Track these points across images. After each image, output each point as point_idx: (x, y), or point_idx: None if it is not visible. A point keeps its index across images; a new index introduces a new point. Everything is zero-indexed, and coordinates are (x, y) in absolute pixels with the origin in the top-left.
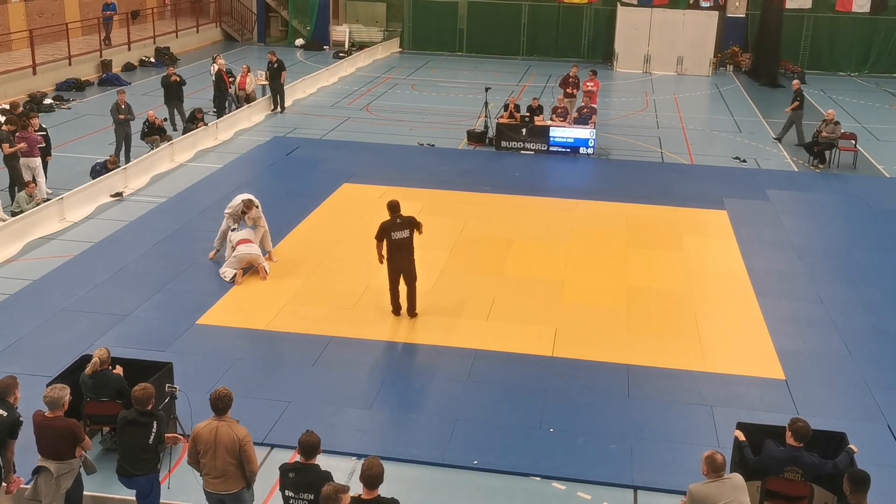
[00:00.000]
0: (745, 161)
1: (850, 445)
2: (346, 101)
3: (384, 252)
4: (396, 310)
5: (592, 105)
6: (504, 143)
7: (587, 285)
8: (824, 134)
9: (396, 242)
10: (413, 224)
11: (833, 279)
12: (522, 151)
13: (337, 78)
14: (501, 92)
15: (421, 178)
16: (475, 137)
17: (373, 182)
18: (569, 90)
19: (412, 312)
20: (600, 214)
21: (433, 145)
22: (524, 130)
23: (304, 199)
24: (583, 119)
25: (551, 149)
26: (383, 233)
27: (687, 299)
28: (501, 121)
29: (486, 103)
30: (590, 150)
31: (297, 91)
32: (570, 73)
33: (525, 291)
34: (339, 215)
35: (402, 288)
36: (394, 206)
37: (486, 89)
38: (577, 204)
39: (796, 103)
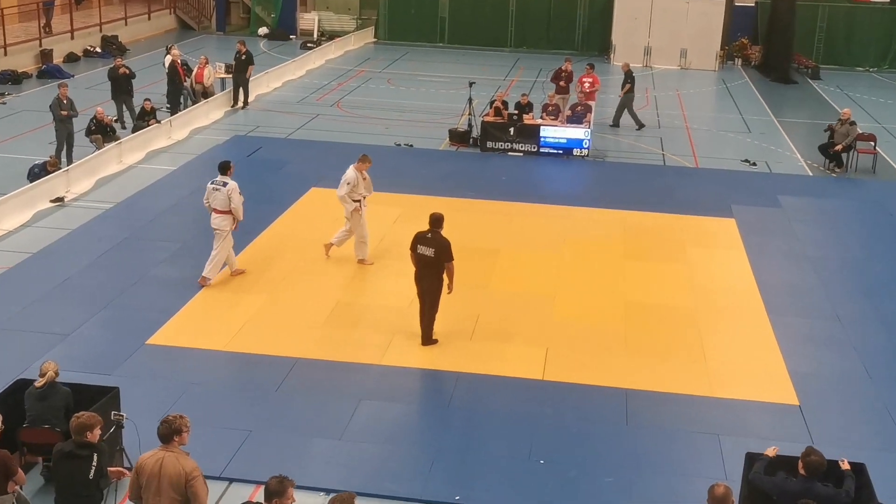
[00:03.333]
0: (754, 164)
1: (844, 464)
2: (315, 97)
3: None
4: (425, 340)
5: (588, 102)
6: (490, 144)
7: (581, 301)
8: (838, 129)
9: (419, 258)
10: (441, 247)
11: (851, 294)
12: (510, 153)
13: (304, 71)
14: (487, 87)
15: (398, 182)
16: (458, 137)
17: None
18: (561, 84)
19: (424, 340)
20: (596, 222)
21: (411, 146)
22: (512, 130)
23: (267, 206)
24: (577, 117)
25: (542, 150)
26: (412, 244)
27: (691, 316)
28: (487, 119)
29: (470, 100)
30: (584, 152)
31: (261, 85)
32: (563, 67)
33: (513, 308)
34: (306, 223)
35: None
36: (434, 220)
37: (470, 84)
38: (570, 211)
39: (628, 86)
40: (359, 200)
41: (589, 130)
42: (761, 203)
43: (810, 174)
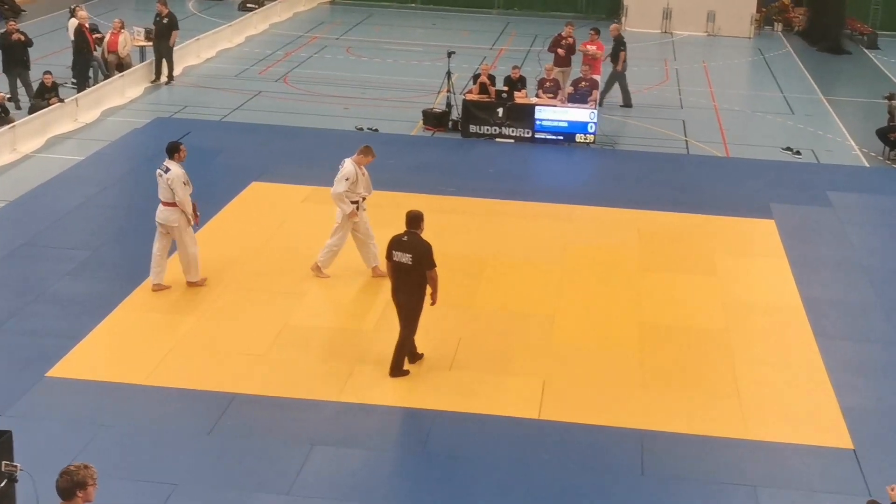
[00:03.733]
0: (798, 153)
1: None
2: (257, 70)
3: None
4: (410, 356)
5: (594, 76)
6: (473, 128)
7: (586, 322)
8: None
9: (395, 266)
10: (420, 251)
11: None
12: (499, 139)
13: (244, 38)
14: (470, 58)
15: None
16: (434, 120)
17: (293, 180)
18: (561, 54)
19: (392, 369)
20: (604, 225)
21: (376, 130)
22: (500, 111)
23: (201, 201)
24: (580, 96)
25: (538, 136)
26: (388, 249)
27: (722, 341)
28: (470, 97)
29: (449, 73)
30: (590, 138)
31: (189, 55)
32: (563, 33)
33: (503, 330)
34: (246, 226)
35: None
36: (410, 219)
37: (449, 54)
38: (572, 211)
39: (623, 54)
40: (357, 202)
41: (595, 111)
42: (807, 201)
43: (867, 165)
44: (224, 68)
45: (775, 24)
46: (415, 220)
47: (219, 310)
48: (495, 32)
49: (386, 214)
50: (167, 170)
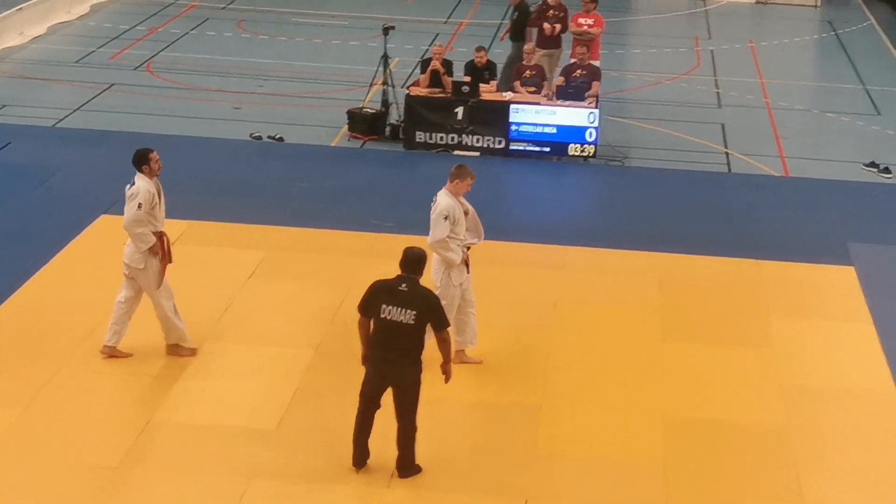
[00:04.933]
0: (888, 171)
1: None
2: (107, 53)
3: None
4: (358, 458)
5: (592, 62)
6: (421, 137)
7: (586, 415)
8: None
9: (385, 325)
10: (427, 305)
11: None
12: (458, 152)
13: (88, 7)
14: (416, 36)
15: (255, 203)
16: (364, 125)
17: None
18: (547, 30)
19: (401, 469)
20: (611, 275)
21: (280, 139)
22: (460, 111)
23: (23, 246)
24: (575, 90)
25: (514, 147)
26: (369, 301)
27: (780, 444)
28: (416, 92)
29: (386, 58)
30: (589, 150)
31: (8, 32)
32: (551, 1)
33: (469, 428)
34: (92, 278)
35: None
36: (409, 260)
37: (386, 31)
38: (565, 255)
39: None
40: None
41: (596, 112)
42: None
43: None
44: (59, 51)
45: None
46: (417, 261)
47: (53, 399)
48: (450, 1)
49: (293, 261)
50: (133, 184)
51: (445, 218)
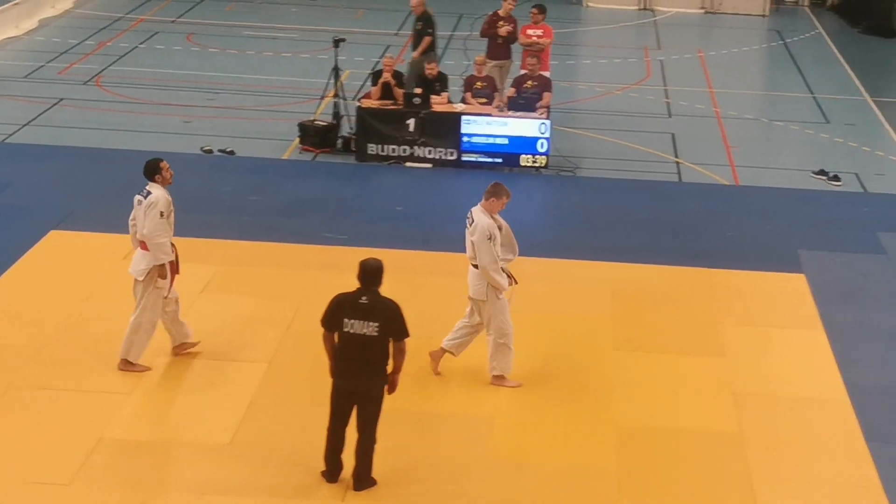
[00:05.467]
0: (837, 179)
1: None
2: (56, 68)
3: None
4: (331, 471)
5: (543, 73)
6: (373, 149)
7: (541, 425)
8: None
9: (349, 338)
10: (388, 316)
11: None
12: (410, 164)
13: (36, 21)
14: (366, 48)
15: (206, 217)
16: (316, 137)
17: (110, 227)
18: (498, 42)
19: (357, 481)
20: (564, 285)
21: (232, 153)
22: (412, 123)
23: None
24: (526, 101)
25: (466, 158)
26: (331, 316)
27: (735, 449)
28: (367, 104)
29: (337, 70)
30: (541, 161)
31: None
32: (500, 11)
33: (420, 439)
34: (41, 295)
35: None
36: (367, 272)
37: (337, 43)
38: (518, 265)
39: (428, 39)
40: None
41: (547, 123)
42: (851, 247)
43: None
44: (8, 66)
45: None
46: (374, 273)
47: (2, 417)
48: (402, 11)
49: (246, 275)
50: (148, 194)
51: (489, 238)
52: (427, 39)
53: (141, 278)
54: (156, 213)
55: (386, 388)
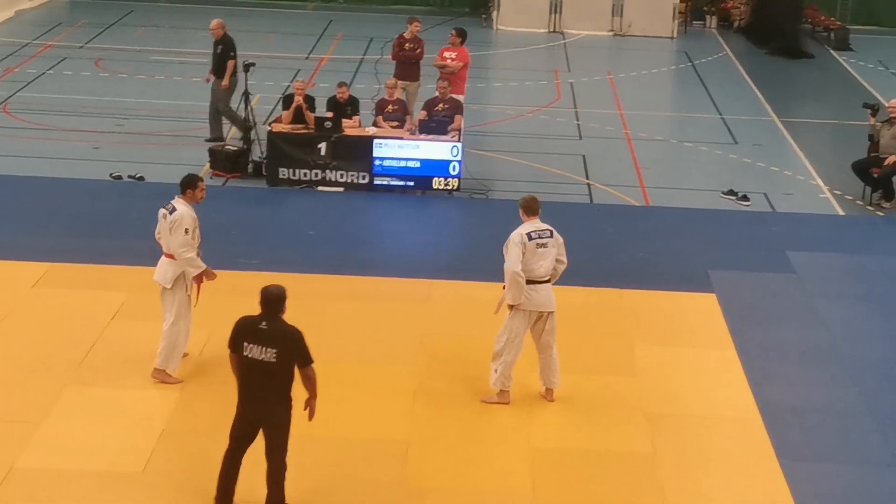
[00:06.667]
0: (746, 199)
1: None
2: None
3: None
4: (221, 497)
5: (455, 96)
6: (284, 173)
7: (456, 448)
8: (882, 132)
9: (249, 363)
10: (289, 343)
11: None
12: (322, 187)
13: None
14: (277, 72)
15: (116, 244)
16: (226, 162)
17: (18, 254)
18: (406, 62)
19: None
20: (477, 307)
21: (142, 178)
22: (323, 147)
23: None
24: (438, 124)
25: (378, 181)
26: (234, 338)
27: (648, 469)
28: (278, 128)
29: (248, 95)
30: (453, 183)
31: None
32: (406, 34)
33: (333, 466)
34: None
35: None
36: (268, 299)
37: (247, 67)
38: (431, 288)
39: (232, 63)
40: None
41: (459, 146)
42: (760, 266)
43: (841, 213)
44: None
45: (708, 17)
46: (275, 300)
47: None
48: (313, 35)
49: (159, 303)
50: (173, 209)
51: (519, 248)
52: (231, 63)
53: (169, 286)
54: (181, 231)
55: (307, 415)
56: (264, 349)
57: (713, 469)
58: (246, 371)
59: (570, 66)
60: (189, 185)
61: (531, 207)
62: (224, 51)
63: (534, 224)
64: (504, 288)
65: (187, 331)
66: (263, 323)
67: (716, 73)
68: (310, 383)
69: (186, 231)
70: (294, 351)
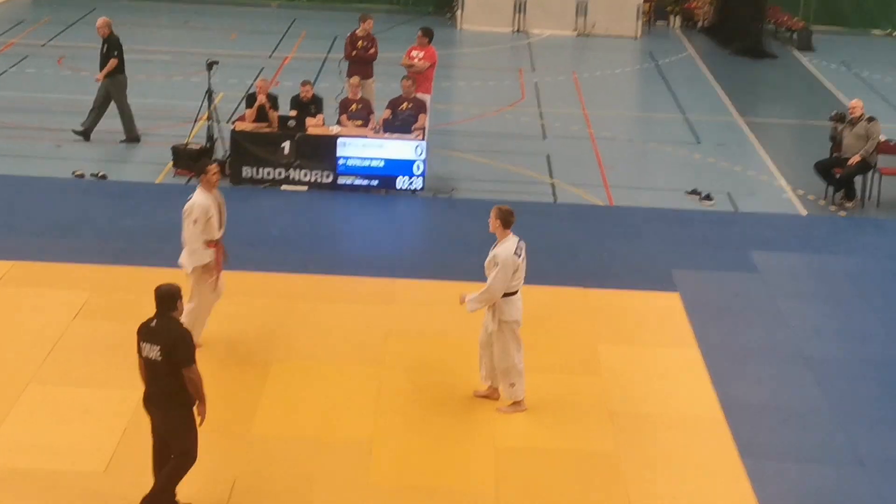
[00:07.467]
0: (709, 198)
1: None
2: None
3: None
4: None
5: (420, 95)
6: (248, 172)
7: (418, 449)
8: (845, 133)
9: (146, 364)
10: (172, 341)
11: (877, 420)
12: (285, 187)
13: None
14: (240, 70)
15: (80, 242)
16: (189, 161)
17: None
18: (357, 59)
19: None
20: (441, 307)
21: (104, 177)
22: (287, 146)
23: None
24: (402, 123)
25: (341, 181)
26: (137, 341)
27: (612, 468)
28: (241, 127)
29: (211, 93)
30: (416, 183)
31: None
32: (359, 31)
33: (295, 466)
34: None
35: None
36: (161, 297)
37: (210, 66)
38: (394, 287)
39: (113, 59)
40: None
41: (423, 145)
42: (723, 265)
43: (803, 212)
44: None
45: (671, 17)
46: (168, 298)
47: None
48: (276, 34)
49: (117, 300)
50: (189, 199)
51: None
52: (113, 61)
53: (189, 271)
54: (190, 222)
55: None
56: (151, 346)
57: (677, 468)
58: (143, 371)
59: (534, 65)
60: (200, 171)
61: (509, 221)
62: (109, 49)
63: (512, 238)
64: (472, 296)
65: (207, 310)
66: (154, 321)
67: (679, 73)
68: (192, 385)
69: (195, 222)
70: (177, 350)
